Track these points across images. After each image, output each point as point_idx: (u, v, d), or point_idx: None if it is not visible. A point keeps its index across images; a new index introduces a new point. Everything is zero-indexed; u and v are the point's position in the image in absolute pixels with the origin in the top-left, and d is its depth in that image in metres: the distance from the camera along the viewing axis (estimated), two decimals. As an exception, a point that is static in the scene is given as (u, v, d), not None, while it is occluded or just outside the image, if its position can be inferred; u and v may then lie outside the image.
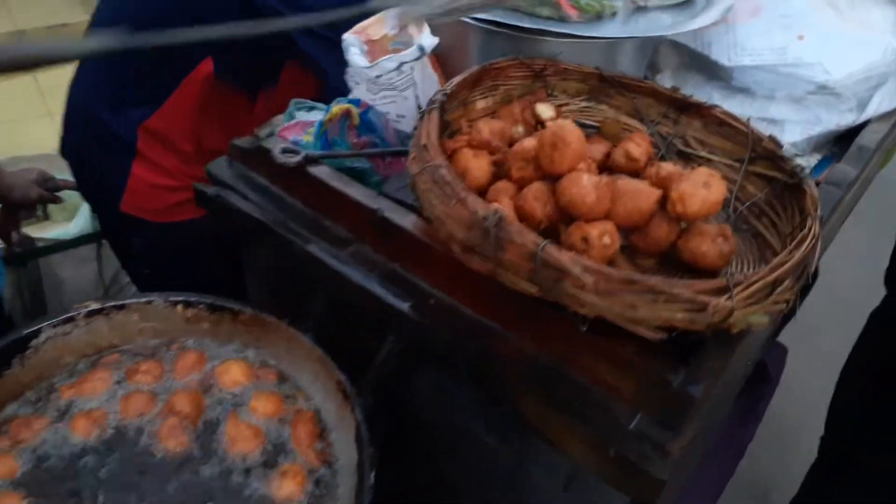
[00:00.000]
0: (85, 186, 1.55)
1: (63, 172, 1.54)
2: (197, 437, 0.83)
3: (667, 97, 0.93)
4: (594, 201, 0.73)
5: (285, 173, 0.88)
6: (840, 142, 1.09)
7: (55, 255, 1.89)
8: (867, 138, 1.04)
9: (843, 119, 1.05)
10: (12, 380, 0.86)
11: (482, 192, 0.82)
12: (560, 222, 0.77)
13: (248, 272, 1.06)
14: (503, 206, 0.77)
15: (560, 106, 0.95)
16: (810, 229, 0.71)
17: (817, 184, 0.98)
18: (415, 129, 0.77)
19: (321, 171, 0.87)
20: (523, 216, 0.78)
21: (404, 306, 0.80)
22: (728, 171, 0.89)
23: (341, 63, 1.10)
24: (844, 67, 1.03)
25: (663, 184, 0.78)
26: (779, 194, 0.83)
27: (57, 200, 1.72)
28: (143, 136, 1.37)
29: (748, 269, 0.79)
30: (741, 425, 1.28)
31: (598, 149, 0.89)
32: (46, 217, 1.76)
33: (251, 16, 1.22)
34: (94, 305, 0.91)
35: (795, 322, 0.84)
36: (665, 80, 1.12)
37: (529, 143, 0.79)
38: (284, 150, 0.87)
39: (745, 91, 1.07)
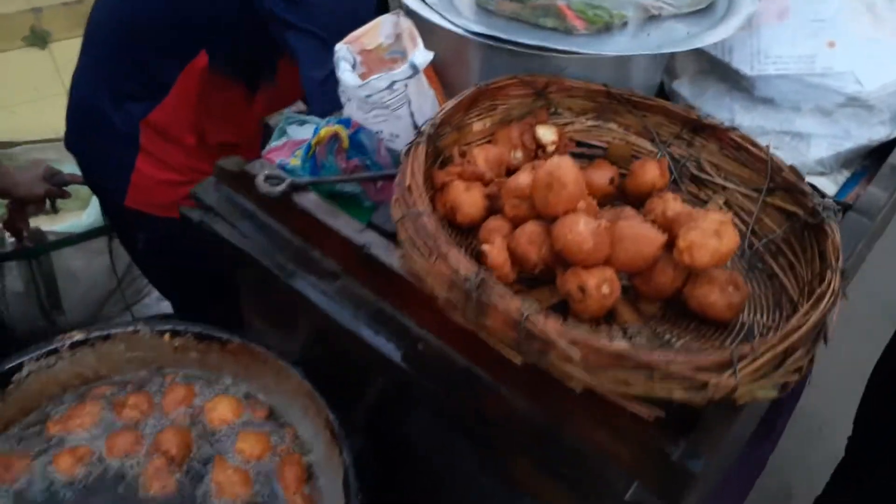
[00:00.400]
0: (90, 181, 1.54)
1: (73, 163, 1.53)
2: (183, 480, 0.81)
3: (680, 117, 0.86)
4: (591, 248, 0.67)
5: (272, 200, 0.84)
6: (871, 155, 1.01)
7: (67, 248, 1.89)
8: (902, 156, 0.96)
9: (875, 133, 0.97)
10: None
11: (475, 228, 0.77)
12: (557, 265, 0.72)
13: (242, 292, 1.03)
14: (496, 247, 0.72)
15: (565, 125, 0.88)
16: (829, 284, 0.64)
17: (845, 208, 0.91)
18: (402, 161, 0.72)
19: (307, 200, 0.82)
20: (517, 258, 0.72)
21: (391, 351, 0.76)
22: (745, 200, 0.82)
23: (318, 57, 1.05)
24: (879, 78, 0.95)
25: (670, 225, 0.72)
26: (798, 232, 0.76)
27: (64, 195, 1.71)
28: (145, 131, 1.35)
29: (762, 315, 0.73)
30: (759, 444, 1.22)
31: (603, 174, 0.83)
32: (56, 211, 1.75)
33: (250, 19, 1.17)
34: (79, 336, 0.88)
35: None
36: (682, 88, 1.04)
37: (524, 178, 0.73)
38: (268, 177, 0.82)
39: (768, 102, 0.99)
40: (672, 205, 0.71)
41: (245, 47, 1.28)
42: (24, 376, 0.85)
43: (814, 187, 0.94)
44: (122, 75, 1.33)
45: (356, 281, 0.80)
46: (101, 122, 1.36)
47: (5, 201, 1.63)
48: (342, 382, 0.86)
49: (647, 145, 0.88)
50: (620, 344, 0.56)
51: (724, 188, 0.84)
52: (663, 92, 1.07)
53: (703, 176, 0.85)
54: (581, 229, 0.67)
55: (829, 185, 0.96)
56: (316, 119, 0.95)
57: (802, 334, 0.60)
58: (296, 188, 0.82)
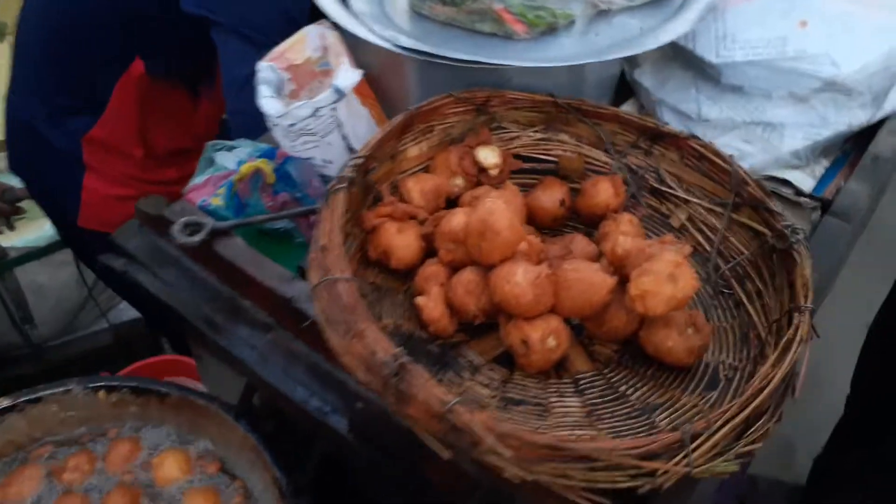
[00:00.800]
0: (40, 202, 1.47)
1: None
2: None
3: (636, 124, 0.78)
4: (531, 300, 0.61)
5: (198, 249, 0.77)
6: (850, 140, 0.93)
7: (31, 262, 1.84)
8: (884, 144, 0.88)
9: (854, 118, 0.88)
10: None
11: (412, 272, 0.70)
12: (499, 314, 0.65)
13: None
14: (432, 298, 0.65)
15: (511, 140, 0.80)
16: (797, 330, 0.57)
17: (824, 205, 0.84)
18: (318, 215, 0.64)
19: (231, 247, 0.75)
20: (455, 310, 0.66)
21: (326, 411, 0.69)
22: (709, 216, 0.75)
23: (241, 55, 0.98)
24: (857, 58, 0.86)
25: (620, 264, 0.65)
26: (766, 255, 0.69)
27: (18, 212, 1.65)
28: (88, 148, 1.29)
29: (727, 355, 0.66)
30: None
31: (552, 197, 0.76)
32: (12, 228, 1.69)
33: (179, 20, 1.09)
34: (6, 402, 0.82)
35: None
36: (644, 77, 0.95)
37: (458, 221, 0.65)
38: (186, 225, 0.75)
39: (737, 90, 0.90)
40: (622, 241, 0.64)
41: (179, 50, 1.20)
42: (-47, 446, 0.80)
43: (789, 184, 0.88)
44: (54, 90, 1.26)
45: (288, 333, 0.73)
46: (39, 142, 1.30)
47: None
48: (288, 436, 0.81)
49: (602, 156, 0.80)
50: (554, 435, 0.49)
51: (687, 202, 0.76)
52: (625, 82, 0.98)
53: (664, 189, 0.78)
54: (519, 280, 0.60)
55: (805, 180, 0.88)
56: (245, 142, 0.87)
57: (767, 395, 0.53)
58: (218, 233, 0.75)
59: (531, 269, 0.61)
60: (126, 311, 1.98)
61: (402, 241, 0.69)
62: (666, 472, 0.49)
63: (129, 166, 1.32)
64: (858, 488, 1.42)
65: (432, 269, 0.68)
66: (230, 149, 0.88)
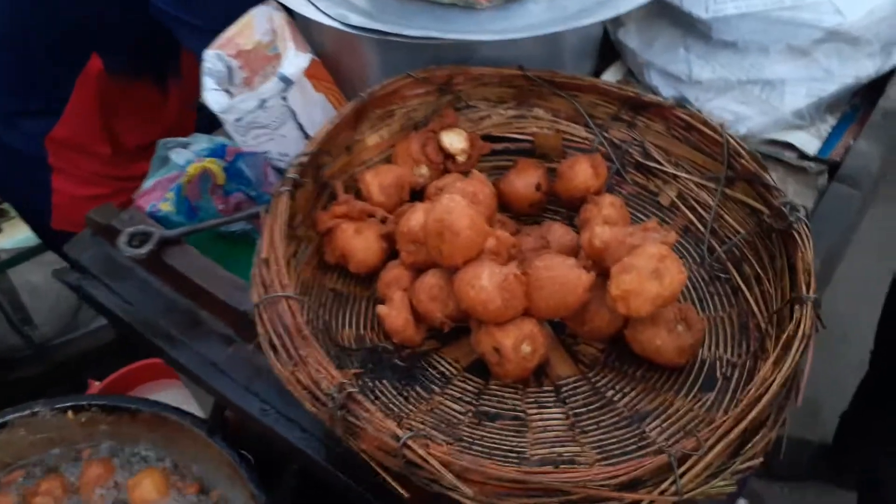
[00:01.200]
0: (14, 206, 1.43)
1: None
2: None
3: (616, 94, 0.71)
4: (500, 306, 0.54)
5: (148, 261, 0.71)
6: (858, 94, 0.85)
7: (23, 263, 1.81)
8: None
9: (862, 70, 0.80)
10: None
11: (374, 275, 0.64)
12: (470, 319, 0.59)
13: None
14: (395, 306, 0.59)
15: (480, 119, 0.73)
16: (799, 325, 0.51)
17: (831, 168, 0.76)
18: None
19: (181, 256, 0.69)
20: (420, 317, 0.60)
21: (289, 429, 0.64)
22: (701, 192, 0.68)
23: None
24: (863, 4, 0.77)
25: (599, 257, 0.58)
26: (764, 234, 0.62)
27: (1, 214, 1.61)
28: (52, 149, 1.23)
29: (724, 349, 0.60)
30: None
31: (528, 181, 0.69)
32: None
33: (138, 17, 1.03)
34: None
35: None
36: (629, 38, 0.87)
37: (416, 220, 0.59)
38: (133, 236, 0.69)
39: (730, 47, 0.82)
40: (599, 233, 0.57)
41: (138, 45, 1.14)
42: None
43: (792, 147, 0.80)
44: (9, 91, 1.20)
45: (249, 346, 0.68)
46: (6, 144, 1.24)
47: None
48: (264, 448, 0.76)
49: (581, 132, 0.73)
50: (520, 469, 0.43)
51: (676, 177, 0.69)
52: (609, 43, 0.90)
53: (651, 164, 0.70)
54: (484, 284, 0.54)
55: (810, 141, 0.80)
56: (201, 137, 0.81)
57: (765, 405, 0.47)
58: (167, 243, 0.69)
59: (497, 271, 0.55)
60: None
61: (360, 244, 0.62)
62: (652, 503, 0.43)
63: (98, 164, 1.26)
64: (886, 446, 1.36)
65: (394, 272, 0.61)
66: (185, 145, 0.82)
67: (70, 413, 0.81)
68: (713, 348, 0.60)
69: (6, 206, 1.59)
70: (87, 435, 0.83)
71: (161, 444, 0.82)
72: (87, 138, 1.23)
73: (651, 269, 0.53)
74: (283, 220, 0.56)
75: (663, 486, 0.44)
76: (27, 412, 0.81)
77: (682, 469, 0.44)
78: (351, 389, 0.46)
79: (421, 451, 0.44)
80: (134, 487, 0.80)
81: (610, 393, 0.58)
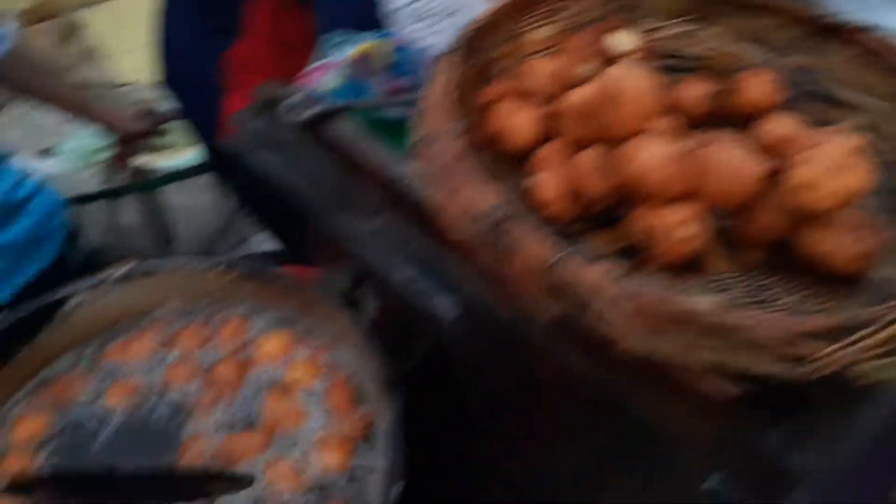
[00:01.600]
0: (189, 120, 1.54)
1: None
2: (237, 412, 0.75)
3: (802, 17, 0.67)
4: (661, 179, 0.52)
5: (308, 129, 0.74)
6: None
7: (174, 184, 1.92)
8: None
9: None
10: (52, 340, 0.82)
11: (524, 161, 0.63)
12: (627, 201, 0.57)
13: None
14: (548, 178, 0.58)
15: (650, 32, 0.72)
16: None
17: None
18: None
19: (340, 129, 0.71)
20: (575, 192, 0.58)
21: (431, 298, 0.64)
22: (890, 126, 0.63)
23: None
24: None
25: (777, 151, 0.55)
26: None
27: (162, 133, 1.71)
28: (231, 67, 1.33)
29: (900, 271, 0.55)
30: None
31: (695, 90, 0.66)
32: (156, 149, 1.76)
33: None
34: (124, 270, 0.84)
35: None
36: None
37: (582, 94, 0.58)
38: (295, 105, 0.72)
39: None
40: (781, 124, 0.54)
41: None
42: (73, 307, 0.82)
43: None
44: (204, 11, 1.31)
45: (397, 217, 0.69)
46: (189, 62, 1.36)
47: (109, 140, 1.66)
48: (393, 324, 0.76)
49: (759, 56, 0.70)
50: (683, 302, 0.41)
51: (864, 108, 0.65)
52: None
53: (835, 94, 0.66)
54: (647, 156, 0.52)
55: None
56: (364, 34, 0.84)
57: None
58: (327, 115, 0.72)
59: (665, 144, 0.53)
60: (263, 243, 2.04)
61: (517, 121, 0.62)
62: (821, 359, 0.40)
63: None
64: None
65: (553, 147, 0.60)
66: (340, 43, 0.85)
67: (215, 272, 0.85)
68: (888, 268, 0.55)
69: (172, 128, 1.70)
70: (228, 295, 0.87)
71: (297, 308, 0.84)
72: (260, 63, 1.31)
73: (836, 163, 0.49)
74: (453, 74, 0.56)
75: (837, 345, 0.40)
76: (177, 264, 0.85)
77: (859, 334, 0.40)
78: (509, 210, 0.45)
79: (576, 270, 0.42)
80: (264, 343, 0.82)
81: (770, 291, 0.54)
